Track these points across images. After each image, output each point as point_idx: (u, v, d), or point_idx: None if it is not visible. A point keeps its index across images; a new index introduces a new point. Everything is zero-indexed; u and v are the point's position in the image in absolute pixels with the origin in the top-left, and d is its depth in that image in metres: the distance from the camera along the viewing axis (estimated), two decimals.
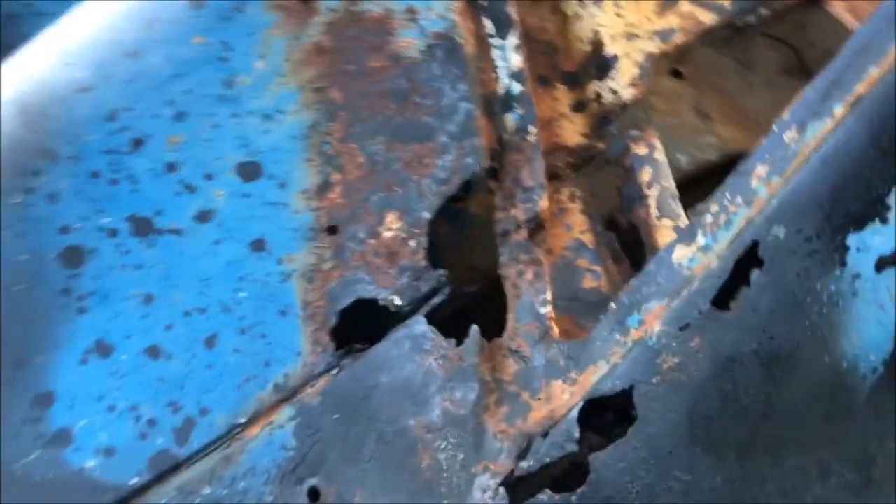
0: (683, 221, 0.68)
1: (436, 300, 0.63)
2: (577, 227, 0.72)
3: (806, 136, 0.51)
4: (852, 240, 0.48)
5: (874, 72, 0.49)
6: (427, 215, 0.65)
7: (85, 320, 0.66)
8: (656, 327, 0.52)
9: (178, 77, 0.73)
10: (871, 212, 0.47)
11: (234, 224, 0.69)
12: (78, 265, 0.68)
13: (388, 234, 0.66)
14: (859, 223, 0.47)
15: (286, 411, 0.64)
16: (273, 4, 0.75)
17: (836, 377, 0.49)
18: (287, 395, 0.64)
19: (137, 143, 0.72)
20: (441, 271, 0.64)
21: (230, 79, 0.73)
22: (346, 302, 0.65)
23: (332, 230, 0.68)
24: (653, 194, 0.69)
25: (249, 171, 0.70)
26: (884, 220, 0.47)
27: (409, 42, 0.70)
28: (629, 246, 0.71)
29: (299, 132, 0.71)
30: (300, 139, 0.71)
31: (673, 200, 0.69)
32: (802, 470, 0.52)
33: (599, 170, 0.74)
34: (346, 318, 0.65)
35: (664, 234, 0.68)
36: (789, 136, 0.51)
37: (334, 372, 0.64)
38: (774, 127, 0.52)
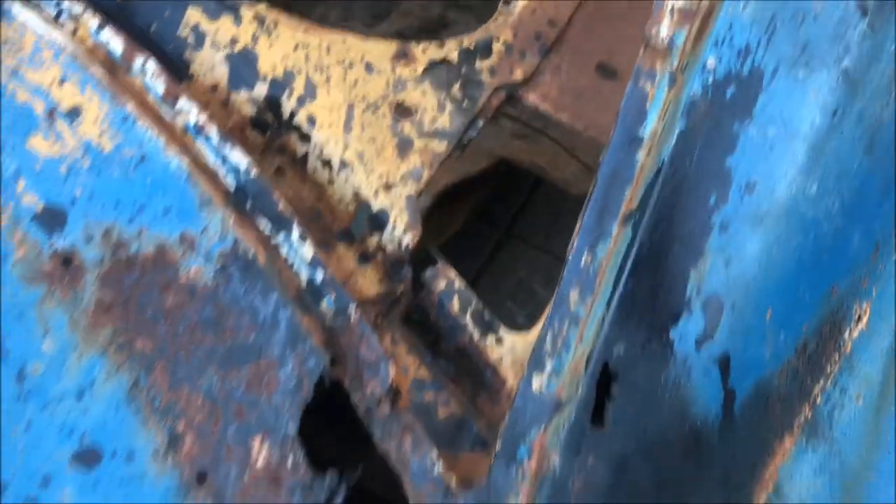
0: (502, 331, 0.76)
1: (337, 500, 0.66)
2: (411, 368, 0.77)
3: (597, 257, 0.61)
4: (674, 334, 0.59)
5: (629, 191, 0.60)
6: (293, 427, 0.67)
7: None
8: (555, 459, 0.60)
9: None
10: (678, 307, 0.59)
11: None
12: None
13: (261, 461, 0.67)
14: (674, 319, 0.59)
15: None
16: (32, 277, 0.71)
17: (696, 434, 0.61)
18: None
19: None
20: (330, 472, 0.66)
21: (22, 371, 0.68)
22: None
23: (201, 479, 0.67)
24: (468, 319, 0.77)
25: (88, 457, 0.67)
26: (690, 310, 0.59)
27: (197, 269, 0.71)
28: (462, 367, 0.79)
29: (122, 397, 0.69)
30: (126, 404, 0.69)
31: (485, 317, 0.77)
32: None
33: (406, 308, 0.80)
34: None
35: (492, 350, 0.76)
36: (585, 259, 0.61)
37: None
38: (569, 256, 0.62)
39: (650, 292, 0.59)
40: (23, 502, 0.65)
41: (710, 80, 0.57)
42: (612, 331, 0.59)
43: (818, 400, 0.76)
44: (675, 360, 0.59)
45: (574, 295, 0.62)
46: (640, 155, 0.60)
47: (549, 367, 0.62)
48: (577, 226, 0.62)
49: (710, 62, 0.57)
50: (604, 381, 0.59)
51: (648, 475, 0.60)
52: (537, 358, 0.63)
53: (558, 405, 0.61)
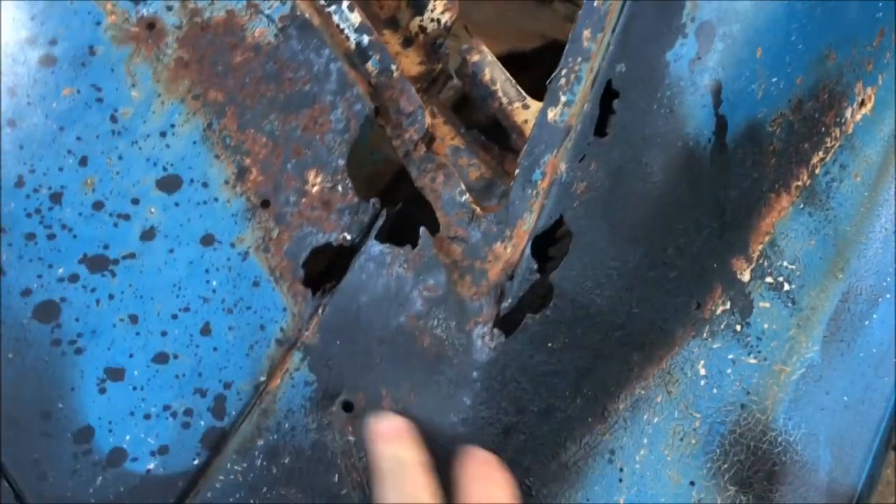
0: (527, 98, 0.86)
1: (378, 223, 0.77)
2: (447, 137, 0.87)
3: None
4: (670, 56, 0.67)
5: None
6: (342, 162, 0.78)
7: (85, 358, 0.73)
8: (562, 167, 0.69)
9: (64, 129, 0.79)
10: (675, 30, 0.67)
11: (178, 231, 0.78)
12: (55, 317, 0.74)
13: (315, 189, 0.78)
14: (670, 42, 0.67)
15: (295, 356, 0.75)
16: (120, 37, 0.83)
17: (688, 154, 0.69)
18: (290, 344, 0.75)
19: (56, 196, 0.78)
20: (373, 199, 0.77)
21: (114, 114, 0.80)
22: (304, 255, 0.77)
23: (265, 204, 0.78)
24: (498, 87, 0.86)
25: (170, 184, 0.79)
26: (685, 34, 0.67)
27: (261, 31, 0.81)
28: (492, 135, 0.88)
29: (198, 136, 0.80)
30: (201, 142, 0.80)
31: (514, 87, 0.86)
32: (686, 230, 0.73)
33: (445, 85, 0.90)
34: (313, 267, 0.76)
35: (519, 114, 0.85)
36: (598, 2, 0.69)
37: (320, 311, 0.76)
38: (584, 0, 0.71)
39: (650, 18, 0.67)
40: (118, 216, 0.77)
41: None
42: (616, 52, 0.67)
43: (817, 170, 0.84)
44: (670, 79, 0.67)
45: (586, 33, 0.70)
46: None
47: (563, 99, 0.71)
48: None
49: None
50: (607, 96, 0.67)
51: (643, 183, 0.69)
52: (552, 93, 0.72)
53: (568, 131, 0.71)
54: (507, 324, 0.70)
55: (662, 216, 0.71)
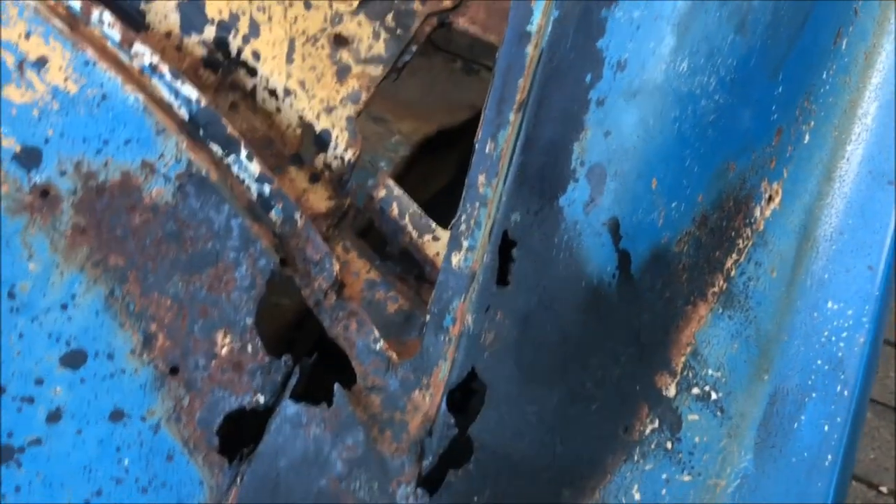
0: (437, 229, 0.85)
1: (292, 382, 0.75)
2: (361, 271, 0.86)
3: (499, 143, 0.69)
4: (563, 201, 0.67)
5: (521, 82, 0.68)
6: (250, 320, 0.76)
7: None
8: (469, 318, 0.68)
9: None
10: (565, 176, 0.66)
11: (85, 410, 0.75)
12: None
13: (224, 351, 0.76)
14: (562, 188, 0.67)
15: None
16: (14, 208, 0.80)
17: (593, 292, 0.69)
18: None
19: None
20: (285, 357, 0.75)
21: (11, 290, 0.78)
22: (217, 422, 0.75)
23: (174, 371, 0.76)
24: (407, 221, 0.85)
25: (75, 359, 0.76)
26: (575, 179, 0.66)
27: (158, 191, 0.80)
28: (406, 266, 0.87)
29: (101, 305, 0.78)
30: (104, 311, 0.78)
31: (422, 218, 0.86)
32: (603, 363, 0.72)
33: (355, 219, 0.89)
34: (226, 433, 0.74)
35: (429, 246, 0.84)
36: (489, 146, 0.69)
37: (238, 480, 0.73)
38: (476, 144, 0.70)
39: (539, 166, 0.67)
40: (21, 400, 0.74)
41: None
42: (509, 202, 0.67)
43: (732, 273, 0.84)
44: (566, 224, 0.67)
45: (481, 178, 0.70)
46: (529, 49, 0.68)
47: (465, 245, 0.71)
48: (481, 118, 0.70)
49: None
50: (504, 246, 0.67)
51: (551, 328, 0.68)
52: (454, 238, 0.71)
53: (474, 276, 0.70)
54: (430, 482, 0.69)
55: (575, 355, 0.70)
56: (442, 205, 1.12)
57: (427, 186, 1.51)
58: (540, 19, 0.67)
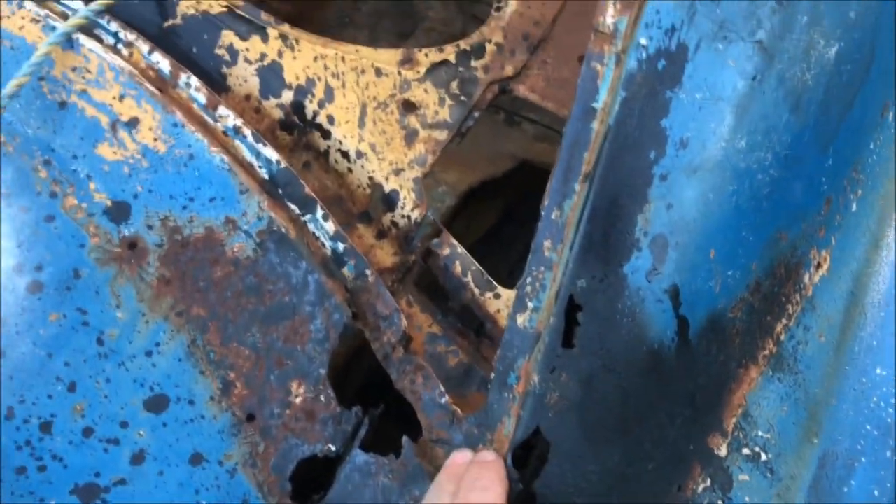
0: (498, 287, 0.89)
1: (361, 432, 0.79)
2: (424, 324, 0.90)
3: (565, 211, 0.73)
4: (627, 269, 0.71)
5: (587, 155, 0.72)
6: (323, 371, 0.80)
7: None
8: (535, 378, 0.72)
9: (52, 355, 0.82)
10: (629, 245, 0.70)
11: (167, 452, 0.79)
12: None
13: (298, 400, 0.81)
14: (626, 257, 0.70)
15: None
16: (104, 259, 0.86)
17: (654, 356, 0.72)
18: None
19: (46, 426, 0.79)
20: (356, 408, 0.79)
21: (100, 336, 0.83)
22: (290, 469, 0.79)
23: (250, 418, 0.81)
24: (469, 279, 0.90)
25: (158, 404, 0.81)
26: (639, 248, 0.70)
27: (240, 246, 0.85)
28: (466, 322, 0.91)
29: (183, 353, 0.83)
30: (186, 359, 0.83)
31: (483, 276, 0.90)
32: (661, 423, 0.75)
33: (419, 275, 0.93)
34: (299, 479, 0.78)
35: (491, 304, 0.88)
36: (555, 214, 0.73)
37: None
38: (542, 211, 0.74)
39: (605, 235, 0.71)
40: (107, 441, 0.79)
41: (644, 55, 0.69)
42: (576, 268, 0.71)
43: (782, 337, 0.87)
44: (629, 290, 0.71)
45: (547, 244, 0.74)
46: (595, 124, 0.72)
47: (530, 306, 0.75)
48: (548, 186, 0.74)
49: (644, 41, 0.69)
50: (571, 310, 0.71)
51: (614, 390, 0.72)
52: (520, 299, 0.75)
53: (539, 337, 0.74)
54: None
55: (635, 416, 0.73)
56: (483, 249, 1.17)
57: (469, 234, 1.56)
58: (606, 97, 0.72)
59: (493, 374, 0.77)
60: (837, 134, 0.83)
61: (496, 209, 1.64)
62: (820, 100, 0.78)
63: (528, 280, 0.74)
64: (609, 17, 0.71)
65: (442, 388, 0.80)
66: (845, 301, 0.92)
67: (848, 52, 0.77)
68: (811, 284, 0.89)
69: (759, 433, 0.84)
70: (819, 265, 0.90)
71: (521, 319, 0.75)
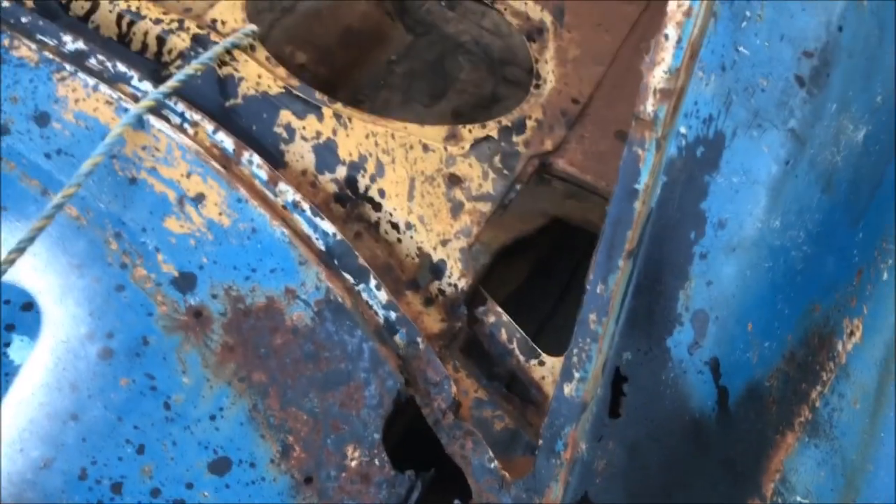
0: (542, 355, 0.93)
1: (415, 495, 0.83)
2: (470, 389, 0.94)
3: (609, 286, 0.77)
4: (670, 342, 0.75)
5: (629, 233, 0.77)
6: (377, 436, 0.85)
7: None
8: (582, 446, 0.75)
9: (122, 419, 0.87)
10: (672, 320, 0.75)
11: None
12: None
13: (354, 464, 0.85)
14: (669, 331, 0.75)
15: None
16: (171, 326, 0.91)
17: (696, 424, 0.76)
18: None
19: (117, 486, 0.84)
20: (409, 472, 0.83)
21: (167, 401, 0.88)
22: None
23: (308, 480, 0.85)
24: (514, 346, 0.94)
25: (221, 466, 0.86)
26: (681, 323, 0.75)
27: (299, 315, 0.90)
28: (512, 387, 0.95)
29: (245, 418, 0.87)
30: (248, 423, 0.87)
31: (528, 344, 0.94)
32: (702, 488, 0.78)
33: (465, 341, 0.98)
34: None
35: (535, 371, 0.93)
36: (600, 288, 0.78)
37: None
38: (587, 285, 0.79)
39: (649, 310, 0.75)
40: (173, 502, 0.83)
41: (684, 143, 0.74)
42: (621, 341, 0.75)
43: (817, 403, 0.90)
44: (672, 363, 0.75)
45: (592, 317, 0.78)
46: (637, 204, 0.77)
47: (576, 376, 0.79)
48: (592, 262, 0.79)
49: (683, 129, 0.74)
50: (617, 381, 0.75)
51: (657, 456, 0.75)
52: (567, 369, 0.79)
53: (585, 406, 0.78)
54: None
55: (679, 481, 0.77)
56: (515, 304, 1.21)
57: (501, 289, 1.59)
58: (647, 179, 0.77)
59: (539, 440, 0.80)
60: (867, 209, 0.87)
61: (527, 263, 1.68)
62: (850, 179, 0.82)
63: (575, 351, 0.79)
64: (650, 105, 0.76)
65: (491, 454, 0.83)
66: (879, 368, 0.95)
67: (875, 134, 0.82)
68: (845, 352, 0.92)
69: (798, 498, 0.86)
70: (852, 333, 0.93)
71: (567, 389, 0.79)
